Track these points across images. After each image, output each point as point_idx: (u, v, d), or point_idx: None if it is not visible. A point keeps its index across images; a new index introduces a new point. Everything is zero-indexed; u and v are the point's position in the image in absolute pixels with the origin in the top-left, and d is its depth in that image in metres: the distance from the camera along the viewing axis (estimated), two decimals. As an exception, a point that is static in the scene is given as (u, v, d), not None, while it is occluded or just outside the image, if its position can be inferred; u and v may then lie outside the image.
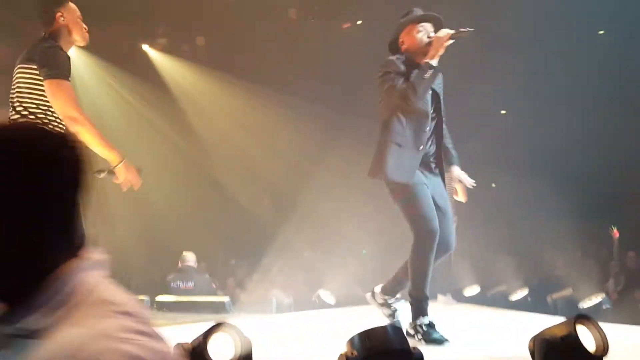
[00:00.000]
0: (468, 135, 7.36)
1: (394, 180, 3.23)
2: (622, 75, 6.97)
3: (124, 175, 2.93)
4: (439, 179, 3.42)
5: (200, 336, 2.11)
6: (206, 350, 2.07)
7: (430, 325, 3.20)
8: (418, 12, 3.38)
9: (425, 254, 3.19)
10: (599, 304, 4.96)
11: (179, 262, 7.01)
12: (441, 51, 3.18)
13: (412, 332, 3.19)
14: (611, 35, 7.60)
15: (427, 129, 3.29)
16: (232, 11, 9.15)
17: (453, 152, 3.58)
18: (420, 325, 3.18)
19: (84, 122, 2.84)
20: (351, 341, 2.03)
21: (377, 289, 3.57)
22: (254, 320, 4.82)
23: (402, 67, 3.23)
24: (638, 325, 3.74)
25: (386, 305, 3.55)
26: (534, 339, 2.05)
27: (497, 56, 7.36)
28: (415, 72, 3.16)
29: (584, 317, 2.03)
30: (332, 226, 8.31)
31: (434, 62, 3.18)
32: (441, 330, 3.21)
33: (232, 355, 2.13)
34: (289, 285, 7.41)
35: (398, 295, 3.55)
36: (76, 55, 9.85)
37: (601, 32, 7.91)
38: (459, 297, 6.12)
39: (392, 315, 3.53)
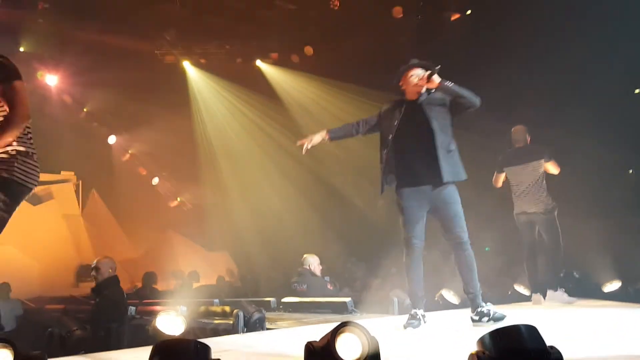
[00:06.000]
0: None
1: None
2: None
3: None
4: (433, 182, 3.92)
5: (328, 334, 2.17)
6: (335, 349, 2.12)
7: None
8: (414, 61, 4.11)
9: None
10: None
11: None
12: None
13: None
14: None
15: (385, 151, 4.13)
16: (337, 18, 9.32)
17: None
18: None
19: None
20: (482, 340, 1.97)
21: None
22: (378, 320, 4.83)
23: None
24: None
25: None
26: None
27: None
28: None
29: None
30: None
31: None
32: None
33: (359, 354, 2.15)
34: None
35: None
36: (197, 76, 10.66)
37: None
38: (598, 294, 5.67)
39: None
